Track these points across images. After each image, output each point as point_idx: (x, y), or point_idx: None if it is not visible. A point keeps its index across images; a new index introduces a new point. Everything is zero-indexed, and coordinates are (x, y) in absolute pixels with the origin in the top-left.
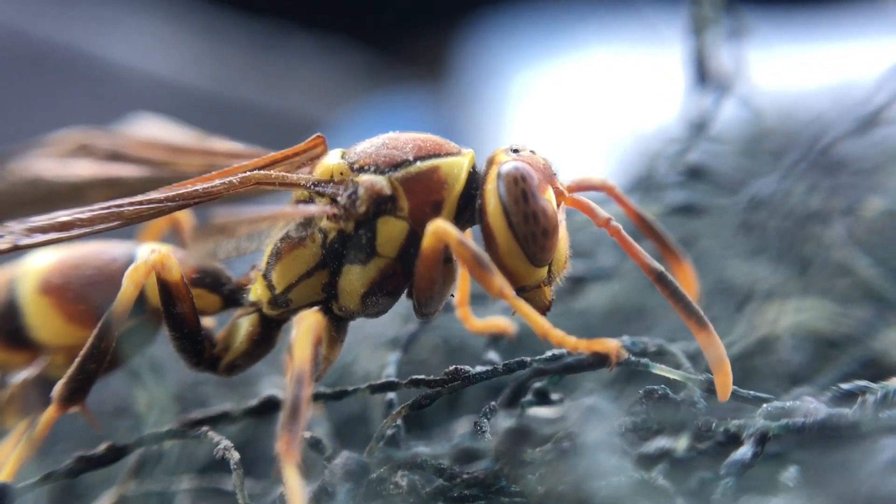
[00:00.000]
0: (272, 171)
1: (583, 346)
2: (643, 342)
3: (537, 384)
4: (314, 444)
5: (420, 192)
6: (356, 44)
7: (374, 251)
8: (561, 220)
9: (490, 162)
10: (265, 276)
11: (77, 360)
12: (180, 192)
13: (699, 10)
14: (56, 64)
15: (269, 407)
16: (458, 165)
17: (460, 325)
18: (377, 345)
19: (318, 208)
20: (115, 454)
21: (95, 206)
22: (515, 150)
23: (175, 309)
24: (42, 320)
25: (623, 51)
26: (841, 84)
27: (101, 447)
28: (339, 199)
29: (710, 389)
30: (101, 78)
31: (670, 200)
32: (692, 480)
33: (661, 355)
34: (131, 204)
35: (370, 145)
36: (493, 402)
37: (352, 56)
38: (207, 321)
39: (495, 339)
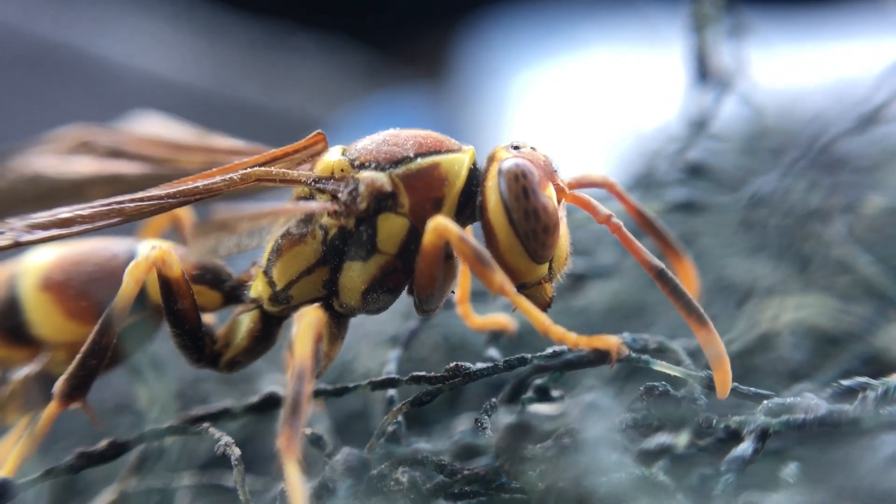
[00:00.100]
0: (273, 168)
1: (583, 342)
2: (644, 339)
3: (538, 381)
4: (315, 441)
5: (421, 189)
6: (356, 43)
7: (374, 248)
8: (562, 217)
9: (491, 159)
10: (266, 273)
11: (78, 356)
12: (181, 188)
13: (700, 8)
14: (56, 63)
15: (270, 404)
16: (458, 162)
17: (461, 322)
18: (377, 342)
19: (318, 205)
20: (116, 450)
21: (96, 203)
22: (516, 147)
23: (176, 305)
24: (43, 317)
25: (623, 50)
26: (841, 82)
27: (102, 443)
28: (339, 195)
29: (710, 386)
30: (101, 77)
31: (671, 198)
32: (693, 477)
33: (661, 352)
34: (132, 200)
35: (371, 142)
36: (493, 399)
37: (352, 56)
38: (208, 318)
39: (496, 336)
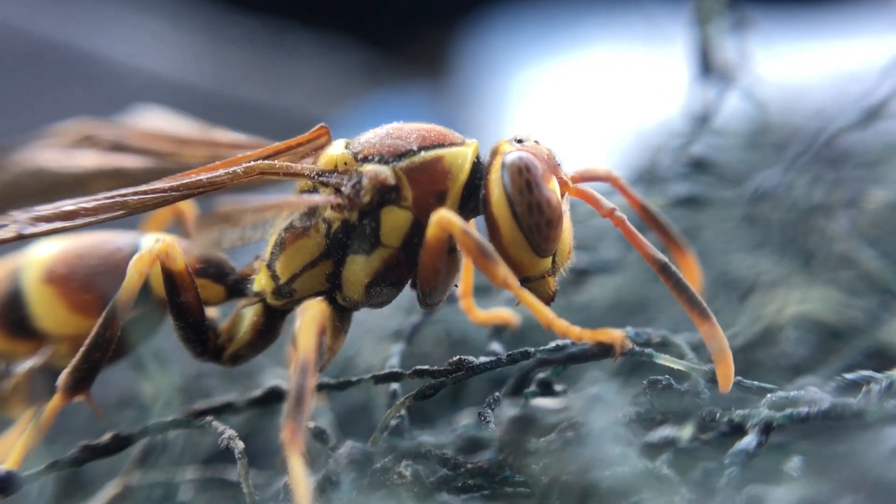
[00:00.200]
0: (276, 161)
1: (587, 335)
2: (647, 333)
3: (541, 375)
4: (318, 434)
5: (424, 182)
6: (357, 42)
7: (378, 241)
8: (565, 211)
9: (494, 152)
10: (269, 267)
11: (82, 349)
12: (184, 181)
13: (703, 3)
14: (56, 62)
15: (273, 397)
16: (462, 155)
17: (463, 317)
18: (380, 337)
19: (322, 198)
20: (120, 443)
21: (100, 196)
22: (520, 141)
23: (179, 298)
24: (46, 310)
25: (624, 48)
26: (843, 78)
27: (106, 437)
28: (343, 189)
29: (713, 380)
30: (101, 76)
31: (674, 192)
32: (696, 470)
33: (664, 346)
34: (136, 193)
35: (374, 135)
36: (496, 393)
37: (352, 54)
38: (211, 311)
39: (499, 331)
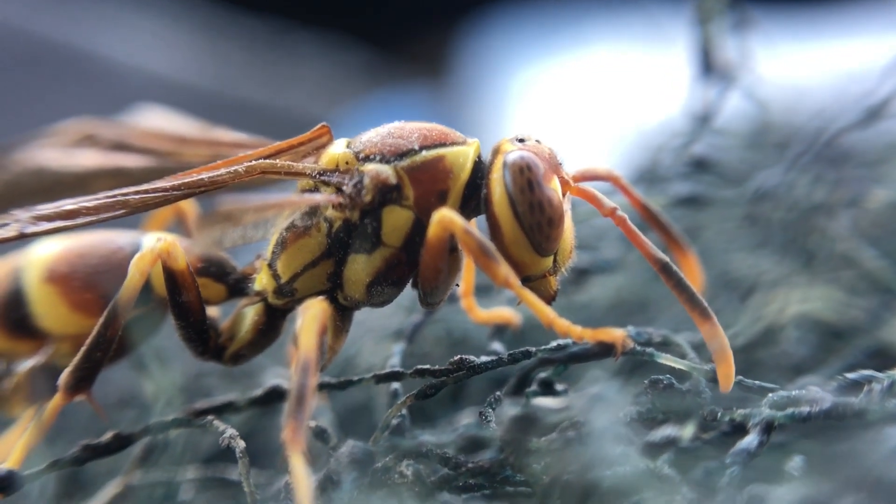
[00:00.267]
0: (277, 161)
1: (588, 335)
2: (648, 332)
3: (542, 374)
4: (319, 434)
5: (425, 182)
6: (357, 42)
7: (379, 240)
8: (566, 210)
9: (496, 151)
10: (270, 266)
11: (83, 348)
12: (186, 181)
13: (704, 2)
14: (56, 62)
15: (274, 397)
16: (463, 155)
17: (464, 317)
18: (381, 337)
19: (323, 197)
20: (121, 443)
21: (101, 195)
22: (521, 140)
23: (181, 297)
24: (48, 309)
25: (625, 48)
26: (845, 78)
27: (107, 436)
28: (344, 188)
29: (715, 379)
30: (101, 76)
31: (675, 192)
32: (698, 470)
33: (665, 346)
34: (137, 193)
35: (376, 135)
36: (497, 392)
37: (353, 54)
38: (212, 311)
39: (500, 330)
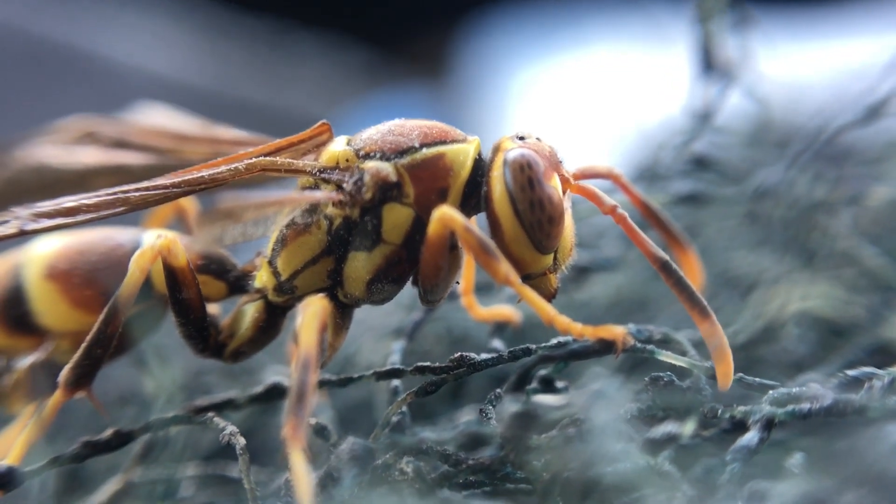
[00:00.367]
0: (278, 158)
1: (588, 332)
2: (648, 330)
3: (542, 372)
4: (319, 431)
5: (426, 179)
6: (357, 41)
7: (379, 238)
8: (567, 208)
9: (496, 149)
10: (270, 263)
11: (83, 345)
12: (186, 178)
13: (705, 1)
14: (56, 62)
15: (274, 394)
16: (463, 152)
17: (463, 314)
18: (380, 335)
19: (323, 195)
20: (121, 440)
21: (101, 192)
22: (521, 138)
23: (181, 294)
24: (48, 306)
25: (625, 47)
26: (845, 76)
27: (107, 433)
28: (344, 185)
29: (715, 376)
30: (101, 76)
31: (675, 190)
32: (698, 466)
33: (666, 343)
34: (137, 190)
35: (376, 132)
36: (498, 390)
37: (353, 53)
38: (213, 308)
39: (500, 328)
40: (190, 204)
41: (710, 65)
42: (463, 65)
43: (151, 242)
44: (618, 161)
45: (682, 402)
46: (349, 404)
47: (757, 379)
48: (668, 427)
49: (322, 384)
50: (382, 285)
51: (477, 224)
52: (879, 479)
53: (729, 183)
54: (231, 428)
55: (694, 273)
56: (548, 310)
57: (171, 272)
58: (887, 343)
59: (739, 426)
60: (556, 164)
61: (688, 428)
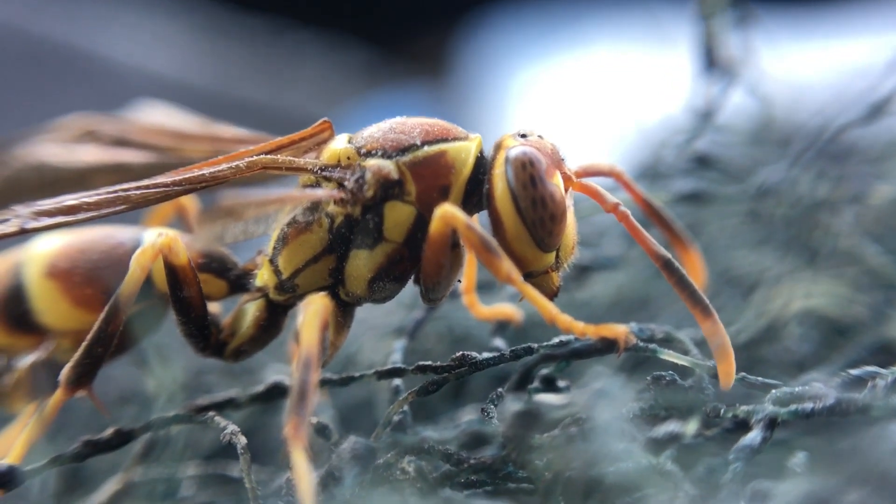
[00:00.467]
0: (279, 156)
1: (591, 331)
2: (650, 329)
3: (544, 371)
4: (321, 430)
5: (427, 177)
6: (357, 41)
7: (381, 236)
8: (569, 206)
9: (498, 147)
10: (272, 262)
11: (84, 343)
12: (187, 176)
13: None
14: (56, 62)
15: (275, 393)
16: (465, 150)
17: (465, 314)
18: (381, 335)
19: (325, 193)
20: (122, 439)
21: (102, 190)
22: (523, 135)
23: (182, 293)
24: (49, 304)
25: (626, 47)
26: (848, 74)
27: (108, 432)
28: (346, 183)
29: (717, 375)
30: (101, 76)
31: (677, 189)
32: (701, 465)
33: (668, 342)
34: (138, 188)
35: (377, 130)
36: (499, 389)
37: (353, 53)
38: (214, 307)
39: (502, 327)
40: (190, 202)
41: (711, 63)
42: (463, 65)
43: (152, 241)
44: (619, 160)
45: (685, 402)
46: (350, 403)
47: (759, 378)
48: (670, 426)
49: (323, 383)
50: (384, 283)
51: (479, 222)
52: (882, 478)
53: (731, 181)
54: (232, 427)
55: (696, 271)
56: (549, 308)
57: (172, 270)
58: (890, 342)
59: (742, 425)
60: (558, 162)
61: (690, 427)
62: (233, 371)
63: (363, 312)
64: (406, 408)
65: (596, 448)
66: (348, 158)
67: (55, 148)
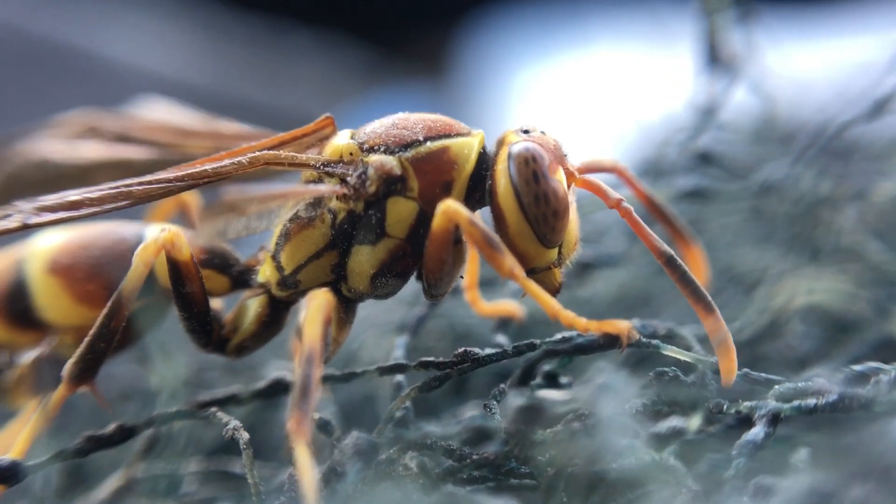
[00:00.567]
0: (281, 152)
1: (593, 326)
2: (653, 325)
3: (546, 367)
4: (323, 426)
5: (430, 173)
6: (357, 40)
7: (383, 232)
8: (571, 202)
9: (500, 142)
10: (274, 258)
11: (87, 339)
12: (190, 171)
13: None
14: (56, 62)
15: (277, 389)
16: (468, 146)
17: (467, 311)
18: (383, 331)
19: (327, 188)
20: (125, 434)
21: (104, 186)
22: (526, 131)
23: (184, 288)
24: (51, 300)
25: (627, 45)
26: (850, 72)
27: (111, 427)
28: (348, 179)
29: (720, 372)
30: (101, 75)
31: (680, 186)
32: (704, 461)
33: (670, 338)
34: (140, 184)
35: (380, 125)
36: (502, 385)
37: (353, 52)
38: (216, 302)
39: (504, 323)
40: (192, 198)
41: (714, 60)
42: (463, 64)
43: (155, 236)
44: (621, 158)
45: (688, 397)
46: (353, 400)
47: (762, 374)
48: (673, 422)
49: (325, 379)
50: (386, 279)
51: (482, 218)
52: (885, 474)
53: (733, 178)
54: (234, 423)
55: (699, 268)
56: (552, 304)
57: (174, 266)
58: (893, 338)
59: (745, 421)
60: (560, 158)
61: (693, 423)
62: (235, 367)
63: (365, 309)
64: (408, 404)
65: (599, 444)
66: (351, 154)
67: (57, 144)
